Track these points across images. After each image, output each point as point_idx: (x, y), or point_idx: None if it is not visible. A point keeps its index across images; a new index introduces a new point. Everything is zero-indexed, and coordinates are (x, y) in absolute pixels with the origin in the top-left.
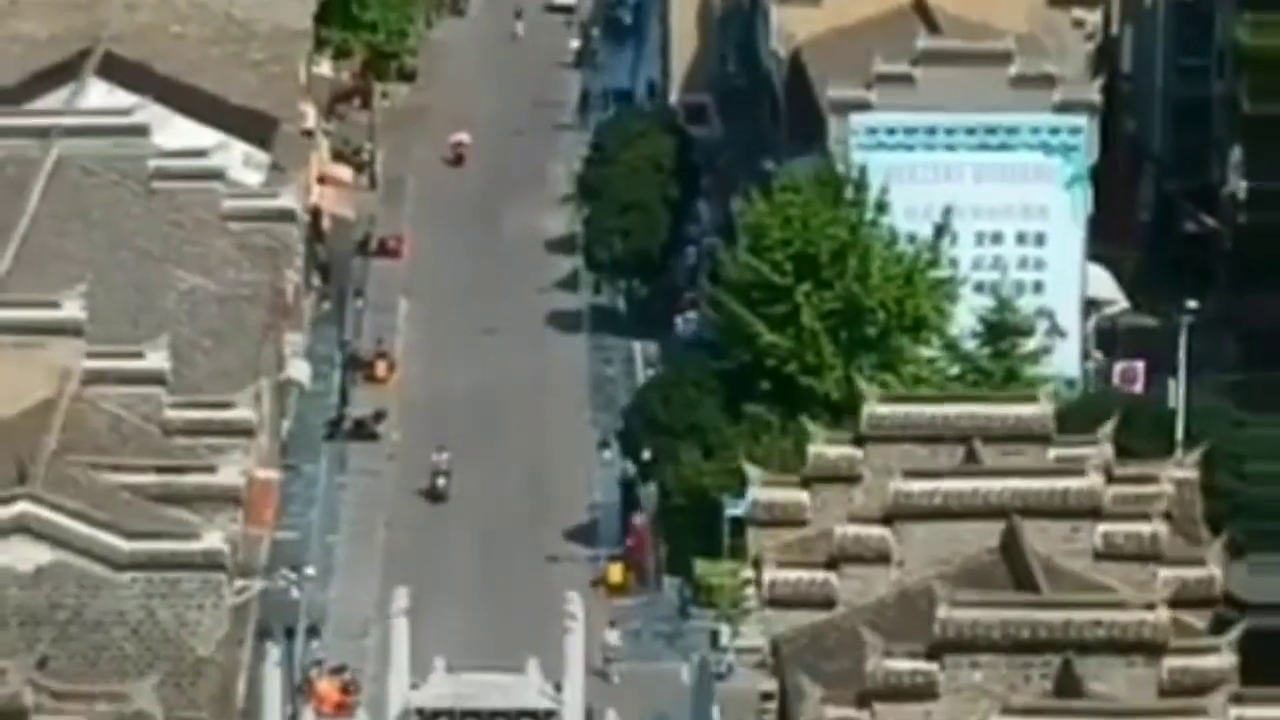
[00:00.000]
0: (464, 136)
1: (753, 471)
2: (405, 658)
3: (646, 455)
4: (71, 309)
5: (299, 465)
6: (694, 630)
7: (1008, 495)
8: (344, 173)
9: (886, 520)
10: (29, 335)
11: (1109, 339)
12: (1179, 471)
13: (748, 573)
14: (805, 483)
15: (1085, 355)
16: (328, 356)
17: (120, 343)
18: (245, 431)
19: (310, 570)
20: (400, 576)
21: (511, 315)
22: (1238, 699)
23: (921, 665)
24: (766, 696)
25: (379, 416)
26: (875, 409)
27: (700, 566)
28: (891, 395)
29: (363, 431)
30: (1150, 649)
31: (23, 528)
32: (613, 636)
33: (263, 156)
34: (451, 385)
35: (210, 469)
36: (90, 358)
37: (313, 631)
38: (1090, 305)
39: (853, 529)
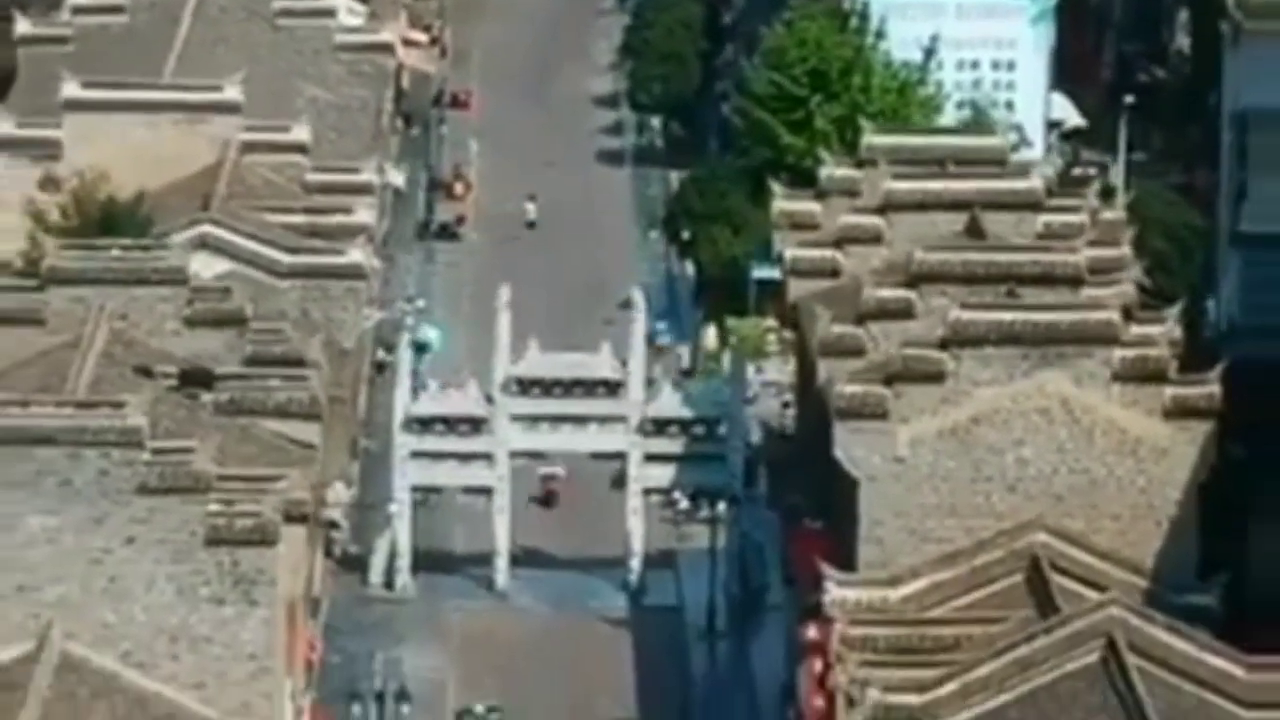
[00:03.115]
0: (559, 470)
1: (776, 188)
2: (507, 340)
3: (686, 235)
4: (232, 92)
5: (395, 256)
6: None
7: (971, 192)
8: (422, 36)
9: (880, 211)
10: (197, 113)
11: (1072, 162)
12: (1109, 213)
13: (770, 323)
14: (818, 196)
15: None
16: (414, 179)
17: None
18: (368, 189)
19: (421, 303)
20: (485, 326)
21: (565, 153)
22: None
23: (902, 293)
24: (785, 405)
25: (460, 220)
26: (872, 140)
27: (731, 322)
28: (884, 127)
29: (446, 232)
30: (1073, 281)
31: (205, 244)
32: None
33: (360, 7)
34: (517, 202)
35: (347, 209)
36: (246, 131)
37: (421, 348)
38: (1052, 125)
39: (854, 218)
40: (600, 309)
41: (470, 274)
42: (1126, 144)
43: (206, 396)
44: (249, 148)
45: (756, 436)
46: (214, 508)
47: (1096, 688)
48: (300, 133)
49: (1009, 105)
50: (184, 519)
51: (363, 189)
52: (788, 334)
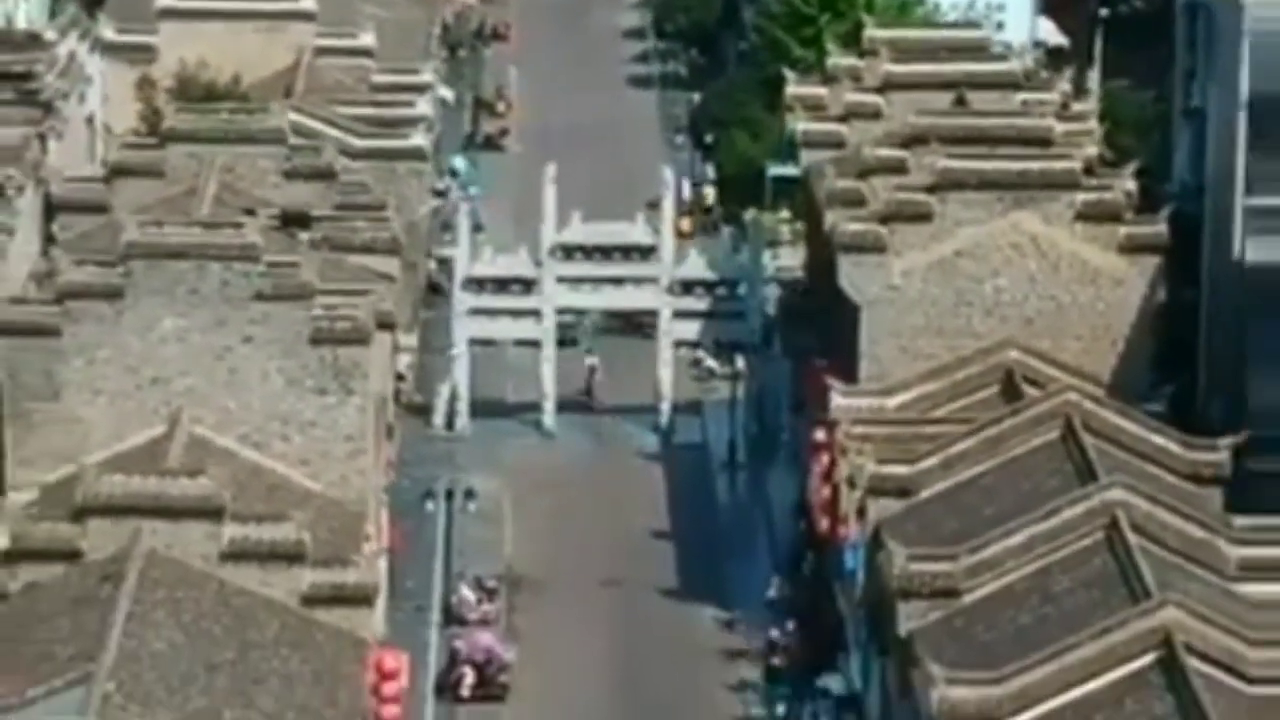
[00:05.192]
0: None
1: (789, 74)
2: (553, 210)
3: (708, 139)
4: (307, 1)
5: (444, 161)
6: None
7: (958, 74)
8: None
9: (879, 90)
10: (275, 20)
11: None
12: (1079, 104)
13: (784, 215)
14: (825, 81)
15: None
16: (460, 99)
17: None
18: (426, 88)
19: (474, 190)
20: (528, 214)
21: (598, 78)
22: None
23: (898, 152)
24: (796, 283)
25: (503, 133)
26: (873, 33)
27: (749, 216)
28: (884, 22)
29: (491, 143)
30: (1042, 141)
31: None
32: None
33: None
34: (554, 119)
35: (409, 103)
36: (319, 37)
37: (477, 229)
38: (1038, 44)
39: (857, 96)
40: (630, 202)
41: (514, 175)
42: (1102, 66)
43: (303, 235)
44: (321, 52)
45: (772, 308)
46: (317, 312)
47: (1055, 458)
48: (366, 39)
49: (999, 26)
50: (293, 321)
51: (421, 88)
52: (799, 225)
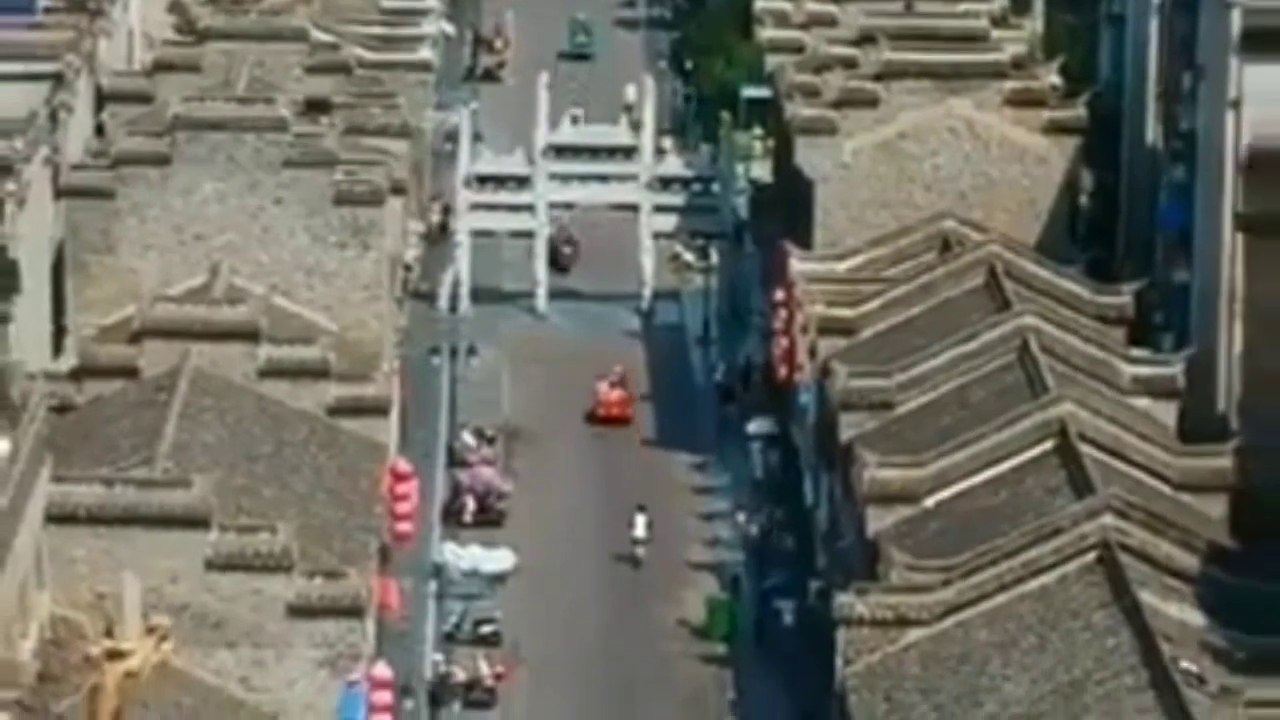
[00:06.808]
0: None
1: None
2: (545, 113)
3: (689, 65)
4: None
5: (444, 92)
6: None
7: None
8: None
9: (837, 0)
10: None
11: None
12: (1016, 19)
13: (757, 131)
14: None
15: None
16: (461, 36)
17: None
18: (431, 11)
19: (475, 105)
20: (523, 127)
21: (590, 19)
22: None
23: (849, 50)
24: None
25: (501, 65)
26: None
27: (722, 127)
28: None
29: (489, 76)
30: (977, 39)
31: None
32: None
33: None
34: (548, 52)
35: (415, 24)
36: None
37: (478, 137)
38: None
39: (816, 5)
40: (614, 116)
41: (511, 103)
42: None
43: (324, 119)
44: None
45: (744, 211)
46: (339, 177)
47: (980, 299)
48: None
49: None
50: (317, 185)
51: (426, 11)
52: (770, 142)
